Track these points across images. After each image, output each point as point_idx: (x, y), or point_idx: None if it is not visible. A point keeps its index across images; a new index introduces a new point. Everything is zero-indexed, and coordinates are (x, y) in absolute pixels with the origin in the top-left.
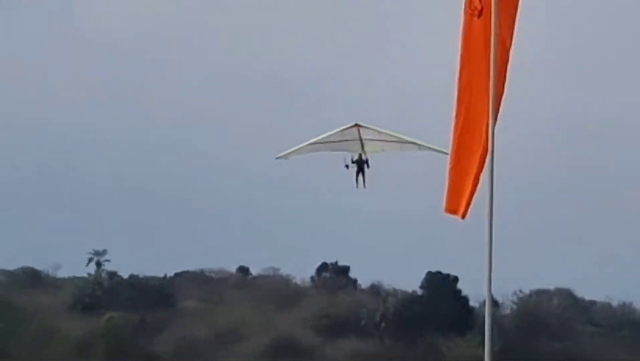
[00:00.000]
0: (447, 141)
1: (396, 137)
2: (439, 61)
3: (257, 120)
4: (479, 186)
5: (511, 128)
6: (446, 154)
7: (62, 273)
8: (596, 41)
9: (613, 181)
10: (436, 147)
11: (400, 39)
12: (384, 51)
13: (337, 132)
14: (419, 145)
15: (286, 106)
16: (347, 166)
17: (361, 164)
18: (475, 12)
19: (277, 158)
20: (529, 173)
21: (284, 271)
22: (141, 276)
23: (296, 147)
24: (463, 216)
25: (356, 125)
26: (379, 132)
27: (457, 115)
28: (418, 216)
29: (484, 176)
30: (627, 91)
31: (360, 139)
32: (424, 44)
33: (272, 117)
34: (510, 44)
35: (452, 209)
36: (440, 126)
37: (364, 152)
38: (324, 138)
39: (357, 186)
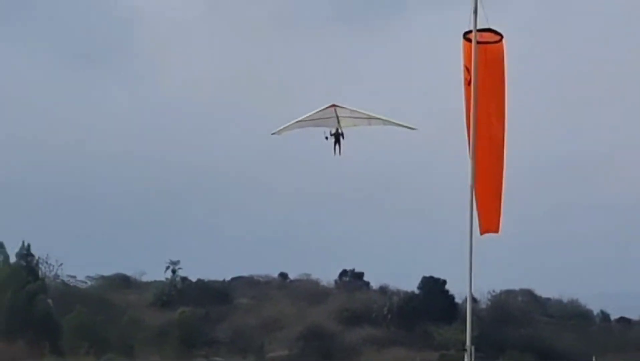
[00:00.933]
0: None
1: (365, 114)
2: None
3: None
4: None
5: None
6: (406, 127)
7: (146, 278)
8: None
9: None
10: (397, 122)
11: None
12: None
13: (318, 111)
14: (384, 120)
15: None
16: (326, 138)
17: (338, 137)
18: (466, 82)
19: (272, 134)
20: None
21: (314, 276)
22: (206, 280)
23: (286, 125)
24: (498, 231)
25: (333, 105)
26: (351, 110)
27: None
28: (414, 236)
29: (466, 204)
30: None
31: (337, 116)
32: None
33: None
34: (496, 110)
35: (489, 229)
36: None
37: (340, 127)
38: (307, 117)
39: (334, 154)
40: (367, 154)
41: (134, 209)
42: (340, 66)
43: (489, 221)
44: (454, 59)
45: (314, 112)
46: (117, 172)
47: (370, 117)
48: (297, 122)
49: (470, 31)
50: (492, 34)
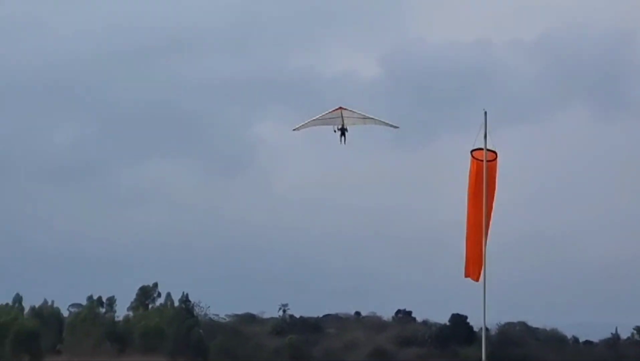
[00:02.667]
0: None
1: (362, 115)
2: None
3: None
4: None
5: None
6: (395, 127)
7: (265, 315)
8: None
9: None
10: (387, 122)
11: None
12: None
13: (329, 112)
14: (374, 120)
15: None
16: (335, 131)
17: (343, 131)
18: (471, 182)
19: (294, 130)
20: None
21: (378, 313)
22: (305, 316)
23: (304, 122)
24: (478, 279)
25: (340, 107)
26: (352, 111)
27: (468, 220)
28: (446, 283)
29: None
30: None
31: (342, 116)
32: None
33: None
34: (488, 200)
35: (470, 275)
36: None
37: (344, 124)
38: (320, 116)
39: (340, 143)
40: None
41: (257, 265)
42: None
43: (472, 271)
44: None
45: (325, 112)
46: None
47: (365, 117)
48: (312, 120)
49: (475, 149)
50: (490, 153)
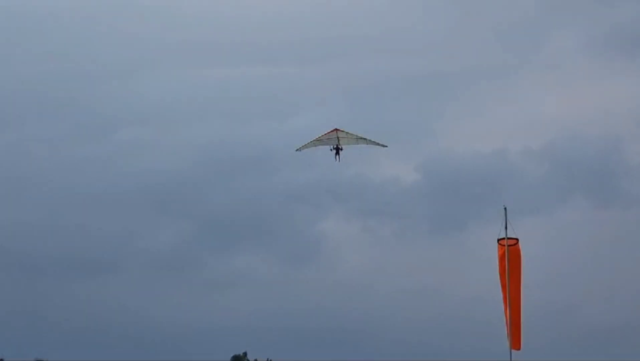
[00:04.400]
0: None
1: (355, 135)
2: None
3: None
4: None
5: None
6: (384, 146)
7: None
8: None
9: None
10: (377, 142)
11: None
12: None
13: (325, 133)
14: (367, 140)
15: None
16: (330, 149)
17: (338, 150)
18: (500, 267)
19: (296, 150)
20: None
21: None
22: None
23: (305, 144)
24: (519, 348)
25: (335, 129)
26: (347, 132)
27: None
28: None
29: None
30: None
31: (337, 137)
32: None
33: None
34: (517, 281)
35: (515, 347)
36: None
37: (340, 144)
38: (318, 137)
39: (335, 160)
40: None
41: None
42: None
43: (515, 342)
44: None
45: (322, 134)
46: None
47: (357, 137)
48: (312, 141)
49: (500, 238)
50: (512, 240)
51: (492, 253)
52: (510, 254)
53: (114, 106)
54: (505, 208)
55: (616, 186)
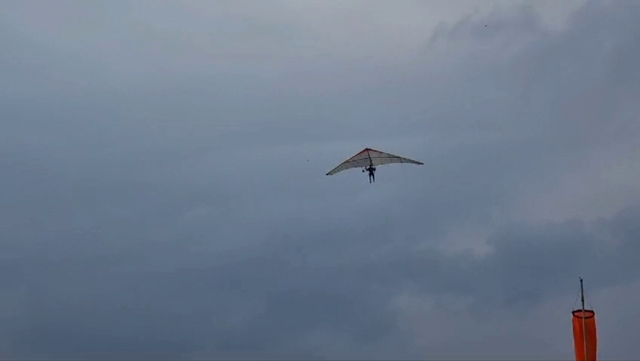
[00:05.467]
0: None
1: (387, 154)
2: None
3: None
4: None
5: None
6: (419, 163)
7: None
8: None
9: None
10: (412, 159)
11: None
12: None
13: (356, 154)
14: (401, 158)
15: None
16: (363, 171)
17: (371, 170)
18: (575, 334)
19: (327, 174)
20: None
21: None
22: None
23: (335, 167)
24: None
25: (367, 149)
26: (379, 152)
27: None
28: None
29: None
30: None
31: (370, 157)
32: None
33: None
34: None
35: None
36: None
37: (372, 164)
38: (350, 158)
39: (370, 182)
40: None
41: None
42: None
43: None
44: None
45: (353, 155)
46: None
47: (391, 156)
48: (343, 163)
49: (575, 311)
50: (588, 312)
51: (568, 326)
52: (586, 327)
53: (183, 186)
54: (581, 280)
55: None
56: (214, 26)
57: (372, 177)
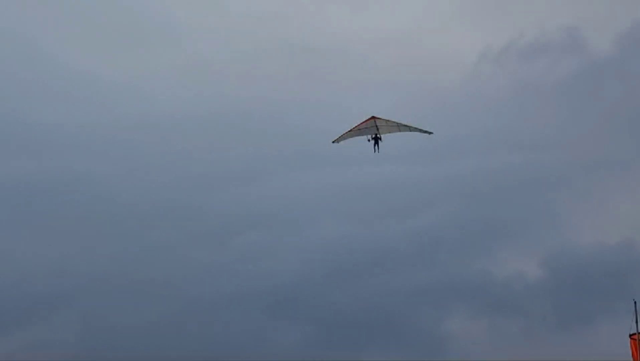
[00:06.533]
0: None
1: (395, 122)
2: None
3: None
4: None
5: None
6: (429, 133)
7: None
8: None
9: None
10: (422, 128)
11: None
12: None
13: (362, 122)
14: (410, 127)
15: None
16: (368, 140)
17: (377, 139)
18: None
19: (333, 142)
20: None
21: None
22: None
23: (340, 135)
24: None
25: (373, 117)
26: (386, 120)
27: None
28: None
29: None
30: None
31: (376, 126)
32: None
33: None
34: None
35: None
36: None
37: (379, 133)
38: (355, 127)
39: (374, 152)
40: None
41: None
42: None
43: None
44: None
45: (359, 122)
46: None
47: (399, 125)
48: (348, 132)
49: (632, 334)
50: None
51: (624, 349)
52: None
53: (234, 210)
54: (634, 302)
55: None
56: (262, 50)
57: (376, 146)
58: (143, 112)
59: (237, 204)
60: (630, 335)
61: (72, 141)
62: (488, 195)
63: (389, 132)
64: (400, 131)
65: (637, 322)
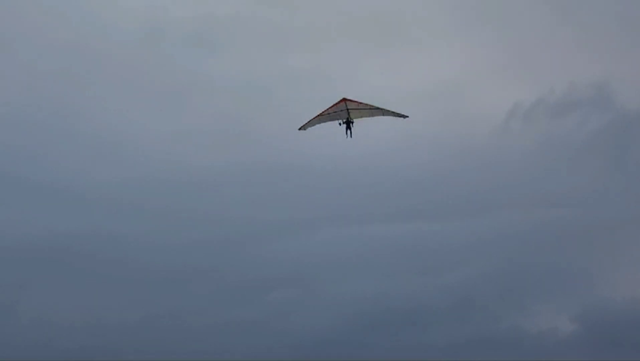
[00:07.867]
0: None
1: (368, 105)
2: None
3: None
4: None
5: None
6: (404, 116)
7: None
8: None
9: None
10: (395, 111)
11: None
12: None
13: (333, 105)
14: (382, 110)
15: None
16: (340, 124)
17: (348, 123)
18: None
19: (299, 129)
20: None
21: None
22: None
23: (308, 121)
24: None
25: (344, 99)
26: (358, 102)
27: None
28: None
29: None
30: None
31: (347, 109)
32: None
33: None
34: None
35: None
36: None
37: (350, 117)
38: (324, 111)
39: (346, 137)
40: None
41: None
42: None
43: None
44: None
45: (329, 106)
46: None
47: (372, 108)
48: (317, 117)
49: None
50: None
51: None
52: None
53: (264, 267)
54: None
55: None
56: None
57: (349, 131)
58: (174, 170)
59: (268, 261)
60: None
61: (102, 199)
62: (521, 249)
63: (361, 117)
64: (373, 115)
65: None
